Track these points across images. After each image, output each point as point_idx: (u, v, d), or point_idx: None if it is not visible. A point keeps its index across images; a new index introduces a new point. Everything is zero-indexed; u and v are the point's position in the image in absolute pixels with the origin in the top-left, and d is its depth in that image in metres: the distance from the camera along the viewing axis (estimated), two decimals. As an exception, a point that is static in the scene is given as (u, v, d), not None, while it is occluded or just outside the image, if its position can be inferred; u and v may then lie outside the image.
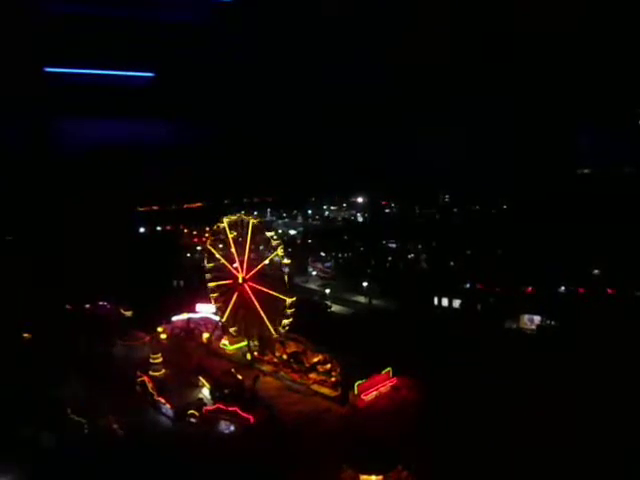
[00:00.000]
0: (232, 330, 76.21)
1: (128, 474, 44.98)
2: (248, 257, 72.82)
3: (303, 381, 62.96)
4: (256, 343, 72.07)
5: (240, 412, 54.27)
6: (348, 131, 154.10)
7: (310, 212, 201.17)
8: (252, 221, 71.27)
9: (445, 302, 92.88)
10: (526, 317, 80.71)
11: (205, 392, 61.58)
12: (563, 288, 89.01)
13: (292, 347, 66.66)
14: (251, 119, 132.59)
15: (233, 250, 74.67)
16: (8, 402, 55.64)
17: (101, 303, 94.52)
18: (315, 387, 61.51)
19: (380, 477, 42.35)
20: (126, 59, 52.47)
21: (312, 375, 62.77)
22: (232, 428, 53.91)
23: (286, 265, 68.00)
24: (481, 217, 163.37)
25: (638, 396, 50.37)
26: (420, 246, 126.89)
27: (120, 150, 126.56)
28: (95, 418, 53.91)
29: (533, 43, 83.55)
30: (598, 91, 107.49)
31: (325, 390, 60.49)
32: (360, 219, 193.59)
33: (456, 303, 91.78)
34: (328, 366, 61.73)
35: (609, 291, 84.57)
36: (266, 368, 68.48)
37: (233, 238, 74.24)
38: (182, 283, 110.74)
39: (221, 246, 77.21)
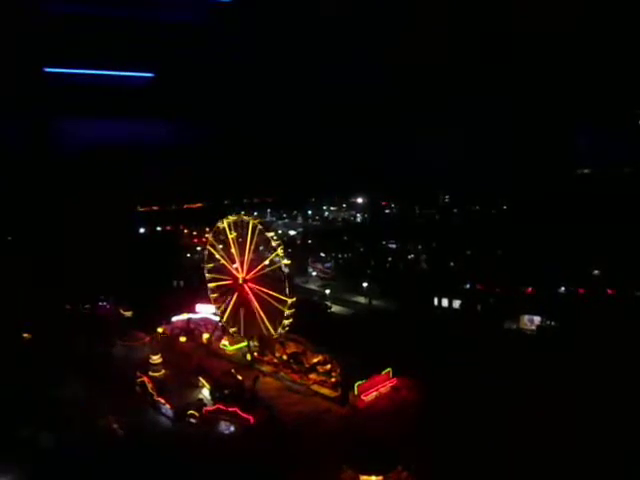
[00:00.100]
0: (232, 331, 76.25)
1: (128, 474, 44.96)
2: (248, 257, 72.87)
3: (303, 382, 62.92)
4: (256, 344, 72.06)
5: (240, 412, 54.26)
6: (347, 131, 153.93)
7: (310, 212, 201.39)
8: (252, 221, 71.30)
9: (445, 302, 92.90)
10: (526, 317, 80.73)
11: (205, 392, 61.55)
12: (563, 288, 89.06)
13: (292, 347, 66.63)
14: (250, 119, 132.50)
15: (233, 250, 74.74)
16: (8, 402, 55.63)
17: (101, 303, 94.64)
18: (315, 387, 61.48)
19: (380, 477, 42.35)
20: (125, 59, 52.48)
21: (312, 375, 62.74)
22: (232, 428, 53.89)
23: (286, 265, 68.01)
24: (481, 217, 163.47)
25: (638, 396, 50.37)
26: (420, 246, 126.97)
27: (120, 150, 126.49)
28: (95, 418, 53.97)
29: (532, 43, 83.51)
30: (597, 91, 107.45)
31: (325, 390, 60.47)
32: (360, 219, 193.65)
33: (456, 303, 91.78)
34: (328, 367, 61.70)
35: (609, 291, 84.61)
36: (266, 369, 68.44)
37: (233, 238, 74.30)
38: (182, 283, 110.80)
39: (221, 246, 77.24)
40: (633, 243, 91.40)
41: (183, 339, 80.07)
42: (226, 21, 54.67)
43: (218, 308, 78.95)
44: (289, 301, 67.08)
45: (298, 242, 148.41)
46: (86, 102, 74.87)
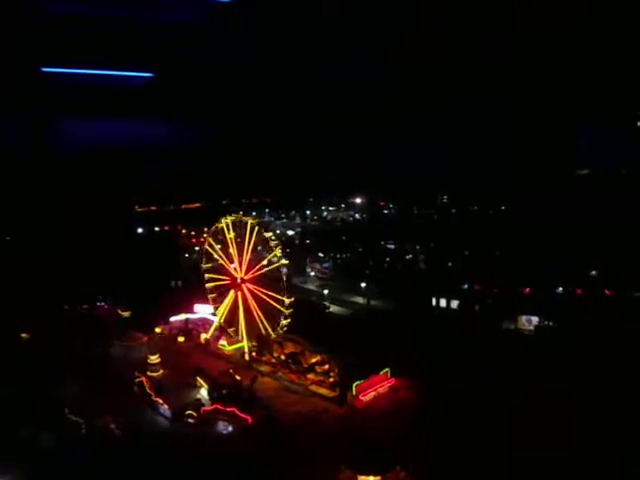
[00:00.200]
0: (230, 331, 76.27)
1: (126, 474, 44.99)
2: (246, 258, 72.93)
3: (301, 382, 62.96)
4: (254, 343, 72.09)
5: (238, 412, 54.27)
6: (347, 131, 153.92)
7: (308, 213, 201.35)
8: (251, 221, 71.36)
9: (443, 303, 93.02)
10: (524, 318, 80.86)
11: (203, 392, 61.61)
12: (561, 289, 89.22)
13: (290, 348, 66.64)
14: (250, 119, 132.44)
15: (231, 251, 74.79)
16: (7, 402, 55.57)
17: (99, 303, 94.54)
18: (313, 388, 61.53)
19: (378, 478, 42.39)
20: (125, 59, 52.48)
21: (310, 376, 62.79)
22: (230, 428, 53.89)
23: (284, 266, 68.04)
24: (479, 218, 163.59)
25: (636, 396, 50.53)
26: (418, 247, 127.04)
27: (118, 150, 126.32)
28: (93, 418, 53.89)
29: (533, 44, 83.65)
30: (598, 92, 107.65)
31: (323, 391, 60.52)
32: (359, 219, 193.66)
33: (454, 304, 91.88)
34: (326, 367, 61.77)
35: (607, 292, 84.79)
36: (264, 369, 68.45)
37: (231, 238, 74.34)
38: (180, 283, 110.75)
39: (219, 247, 77.29)
40: (631, 244, 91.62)
41: (181, 339, 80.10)
42: (226, 21, 54.69)
43: (216, 308, 78.94)
44: (287, 301, 67.20)
45: (296, 242, 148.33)
46: (86, 102, 74.85)
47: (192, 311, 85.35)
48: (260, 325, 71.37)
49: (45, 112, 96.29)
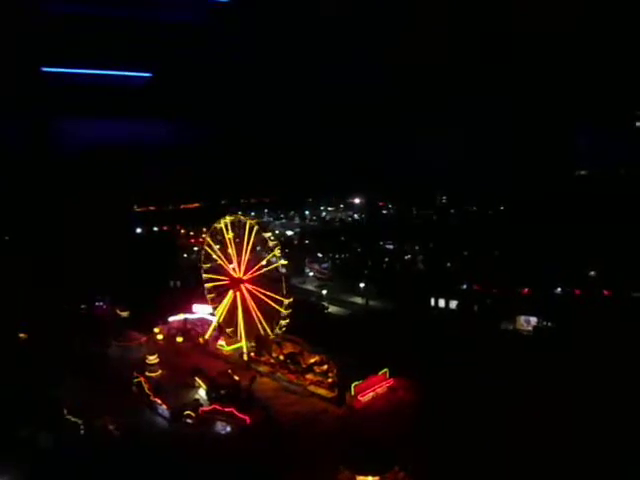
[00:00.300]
0: (229, 331, 76.26)
1: (124, 474, 44.97)
2: (245, 258, 72.93)
3: (300, 382, 62.91)
4: (253, 344, 72.08)
5: (236, 413, 54.27)
6: (345, 131, 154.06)
7: (307, 213, 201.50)
8: (249, 222, 71.37)
9: (442, 303, 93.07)
10: (522, 318, 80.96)
11: (201, 393, 61.59)
12: (559, 289, 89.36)
13: (289, 348, 66.60)
14: (249, 119, 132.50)
15: (230, 251, 74.78)
16: (6, 402, 55.50)
17: (97, 303, 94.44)
18: (312, 388, 61.48)
19: (377, 478, 42.42)
20: (125, 59, 52.51)
21: (309, 376, 62.74)
22: (228, 429, 53.87)
23: (283, 266, 68.07)
24: (478, 218, 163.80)
25: (634, 396, 50.65)
26: (417, 247, 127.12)
27: (118, 150, 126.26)
28: (92, 419, 53.83)
29: (531, 44, 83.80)
30: (596, 92, 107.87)
31: (322, 391, 60.49)
32: (357, 220, 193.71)
33: (453, 304, 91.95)
34: (325, 367, 61.73)
35: (605, 292, 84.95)
36: (263, 369, 68.41)
37: (230, 239, 74.33)
38: (179, 284, 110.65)
39: (218, 247, 77.28)
40: (630, 244, 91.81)
41: (180, 339, 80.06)
42: (225, 21, 54.76)
43: (215, 308, 78.93)
44: (286, 301, 67.22)
45: (295, 242, 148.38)
46: (85, 102, 74.85)
47: (191, 311, 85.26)
48: (259, 325, 71.40)
49: (45, 112, 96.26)
